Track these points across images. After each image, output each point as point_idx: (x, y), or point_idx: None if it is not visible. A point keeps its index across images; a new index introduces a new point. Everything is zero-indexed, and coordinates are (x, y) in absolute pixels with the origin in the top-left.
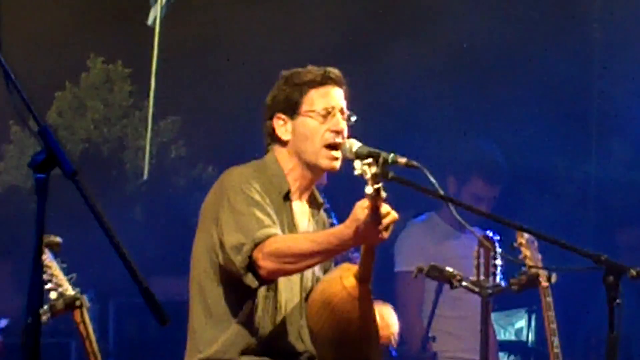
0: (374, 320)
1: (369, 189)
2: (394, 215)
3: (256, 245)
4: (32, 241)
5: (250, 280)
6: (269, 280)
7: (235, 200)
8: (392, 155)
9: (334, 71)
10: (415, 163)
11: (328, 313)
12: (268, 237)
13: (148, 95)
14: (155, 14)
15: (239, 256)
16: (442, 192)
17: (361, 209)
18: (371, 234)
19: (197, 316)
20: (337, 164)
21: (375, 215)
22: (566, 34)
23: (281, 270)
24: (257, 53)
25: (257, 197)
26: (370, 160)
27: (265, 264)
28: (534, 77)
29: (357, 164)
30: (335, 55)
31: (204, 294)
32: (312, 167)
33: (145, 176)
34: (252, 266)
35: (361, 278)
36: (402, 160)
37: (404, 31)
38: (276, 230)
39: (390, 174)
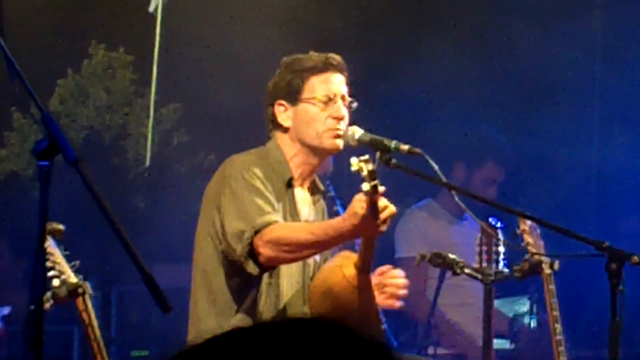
0: (375, 309)
1: (365, 186)
2: (391, 209)
3: (256, 232)
4: (34, 228)
5: (251, 267)
6: (270, 267)
7: (237, 187)
8: (394, 142)
9: (335, 57)
10: (417, 150)
11: (329, 302)
12: (268, 224)
13: (150, 83)
14: (157, 1)
15: (239, 244)
16: (444, 179)
17: (359, 203)
18: (368, 227)
19: (201, 304)
20: (341, 143)
21: (372, 209)
22: (569, 20)
23: (279, 258)
24: (260, 40)
25: (259, 183)
26: (366, 156)
27: (265, 251)
28: (535, 64)
29: (354, 160)
30: (344, 42)
31: (208, 282)
32: (315, 151)
33: (147, 164)
34: (252, 253)
35: (361, 268)
36: (405, 147)
37: (417, 20)
38: (276, 217)
39: (393, 161)
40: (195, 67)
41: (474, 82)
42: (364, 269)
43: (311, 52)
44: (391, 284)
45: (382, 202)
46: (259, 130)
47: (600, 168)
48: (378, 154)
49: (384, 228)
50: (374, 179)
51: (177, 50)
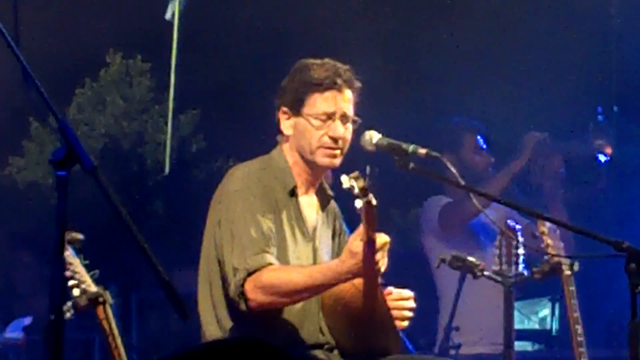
0: (387, 310)
1: (358, 203)
2: (386, 240)
3: (249, 274)
4: (53, 238)
5: (243, 306)
6: (259, 310)
7: (234, 209)
8: (412, 146)
9: (344, 73)
10: (435, 153)
11: (340, 309)
12: (261, 267)
13: (167, 90)
14: (173, 8)
15: (232, 281)
16: (462, 182)
17: (356, 242)
18: (366, 267)
19: (205, 313)
20: (337, 161)
21: (371, 246)
22: (584, 13)
23: (272, 303)
24: (277, 45)
25: (256, 206)
26: (356, 173)
27: (256, 296)
28: (552, 59)
29: (344, 178)
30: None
31: (211, 292)
32: (311, 165)
33: (167, 171)
34: (244, 294)
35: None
36: (423, 151)
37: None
38: (269, 257)
39: (411, 165)
40: (212, 73)
41: (488, 79)
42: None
43: (326, 60)
44: (398, 306)
45: (381, 238)
46: (276, 135)
47: (619, 167)
48: (396, 158)
49: (382, 267)
50: (366, 195)
51: (194, 57)
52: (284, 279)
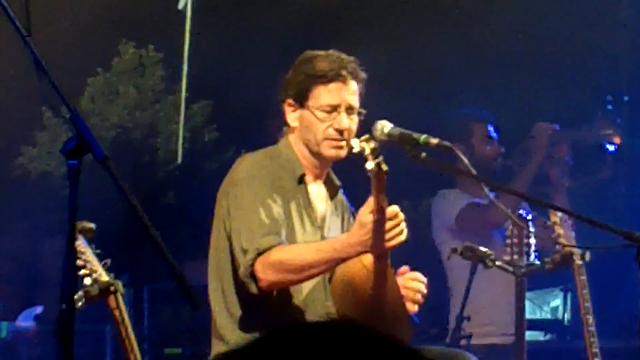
0: (398, 293)
1: (369, 165)
2: (400, 216)
3: (259, 254)
4: (65, 227)
5: (253, 288)
6: (271, 290)
7: (243, 195)
8: (424, 136)
9: (349, 64)
10: (447, 143)
11: (351, 293)
12: (271, 246)
13: (180, 80)
14: None
15: (242, 263)
16: (474, 172)
17: (365, 214)
18: (376, 239)
19: (217, 305)
20: (343, 152)
21: (379, 216)
22: (596, 11)
23: (283, 281)
24: (288, 36)
25: (264, 192)
26: (367, 135)
27: (266, 275)
28: (563, 52)
29: (355, 141)
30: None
31: (223, 282)
32: (317, 156)
33: (179, 161)
34: (254, 275)
35: (378, 254)
36: (434, 141)
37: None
38: (279, 238)
39: (423, 155)
40: (225, 63)
41: (497, 71)
42: (381, 254)
43: (330, 52)
44: (409, 287)
45: (392, 210)
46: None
47: (629, 157)
48: (407, 149)
49: (392, 242)
50: (377, 157)
51: (207, 47)
52: (293, 255)
